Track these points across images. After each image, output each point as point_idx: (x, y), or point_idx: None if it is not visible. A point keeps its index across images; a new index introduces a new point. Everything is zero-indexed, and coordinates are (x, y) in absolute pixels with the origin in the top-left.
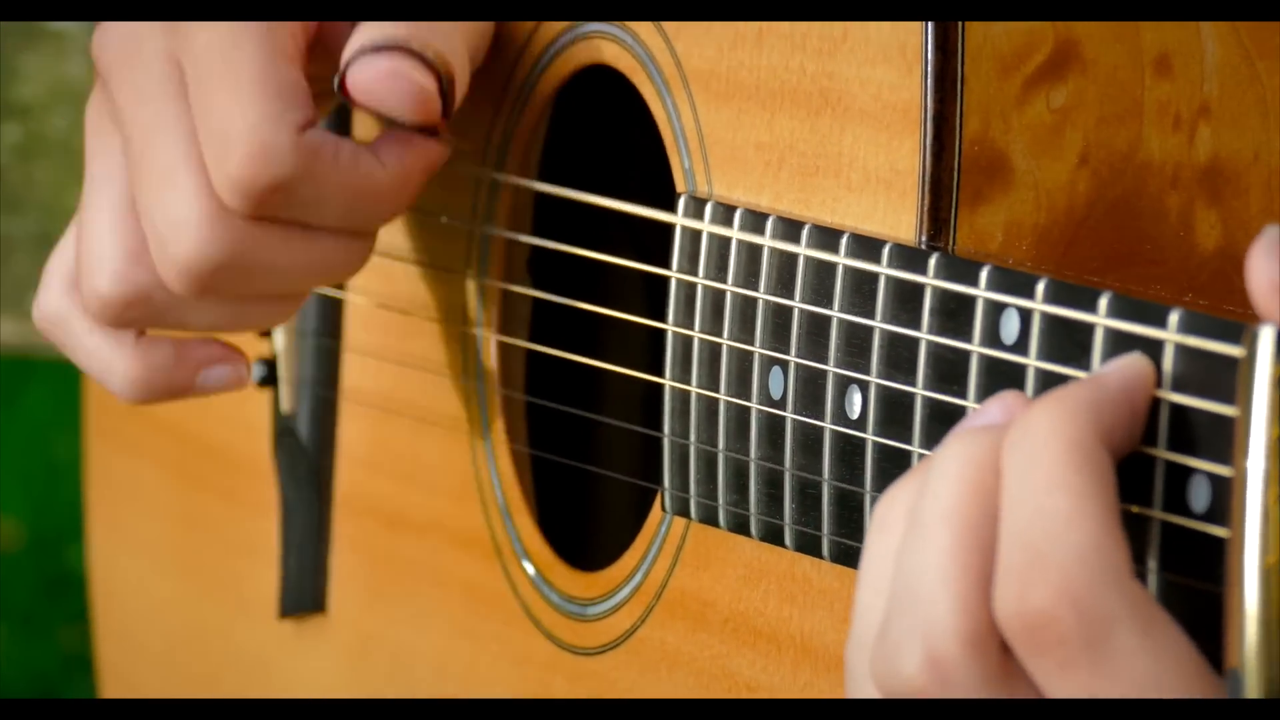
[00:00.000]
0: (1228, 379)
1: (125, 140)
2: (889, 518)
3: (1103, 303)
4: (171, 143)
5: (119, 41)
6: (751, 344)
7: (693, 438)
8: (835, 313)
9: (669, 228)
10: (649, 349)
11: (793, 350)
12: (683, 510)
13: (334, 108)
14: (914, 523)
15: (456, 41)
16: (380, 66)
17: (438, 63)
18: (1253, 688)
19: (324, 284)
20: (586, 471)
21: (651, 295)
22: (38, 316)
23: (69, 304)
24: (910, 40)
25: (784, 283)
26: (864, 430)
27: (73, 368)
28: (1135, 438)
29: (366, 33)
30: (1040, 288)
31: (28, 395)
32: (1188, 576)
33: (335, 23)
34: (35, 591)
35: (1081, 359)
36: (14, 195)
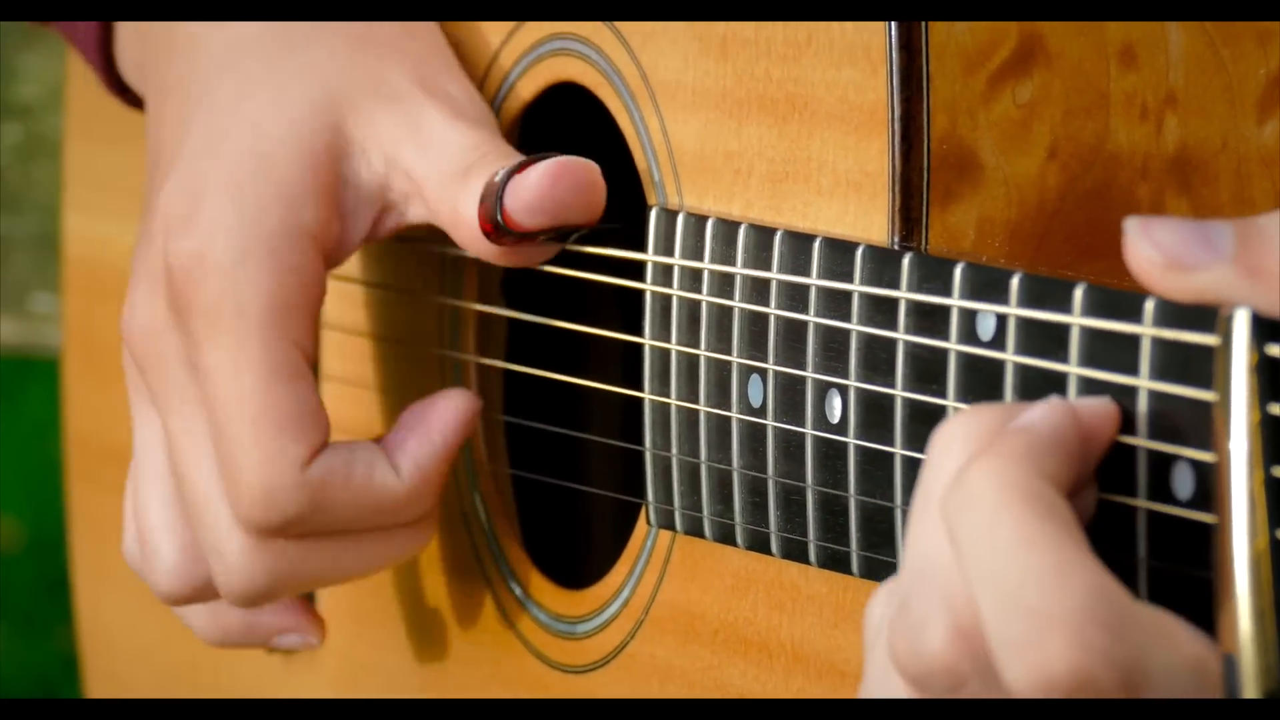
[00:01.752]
0: (1206, 364)
1: (166, 440)
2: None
3: (1078, 296)
4: (203, 465)
5: (144, 338)
6: (729, 353)
7: (674, 450)
8: (811, 318)
9: (642, 243)
10: (628, 364)
11: (771, 358)
12: (667, 523)
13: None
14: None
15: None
16: (540, 172)
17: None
18: (1248, 674)
19: (385, 568)
20: (570, 489)
21: (628, 310)
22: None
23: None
24: (874, 40)
25: (759, 290)
26: (845, 434)
27: None
28: (1077, 476)
29: (476, 175)
30: (1015, 284)
31: (28, 395)
32: (1177, 564)
33: (337, 235)
34: (35, 591)
35: (1059, 352)
36: (14, 195)
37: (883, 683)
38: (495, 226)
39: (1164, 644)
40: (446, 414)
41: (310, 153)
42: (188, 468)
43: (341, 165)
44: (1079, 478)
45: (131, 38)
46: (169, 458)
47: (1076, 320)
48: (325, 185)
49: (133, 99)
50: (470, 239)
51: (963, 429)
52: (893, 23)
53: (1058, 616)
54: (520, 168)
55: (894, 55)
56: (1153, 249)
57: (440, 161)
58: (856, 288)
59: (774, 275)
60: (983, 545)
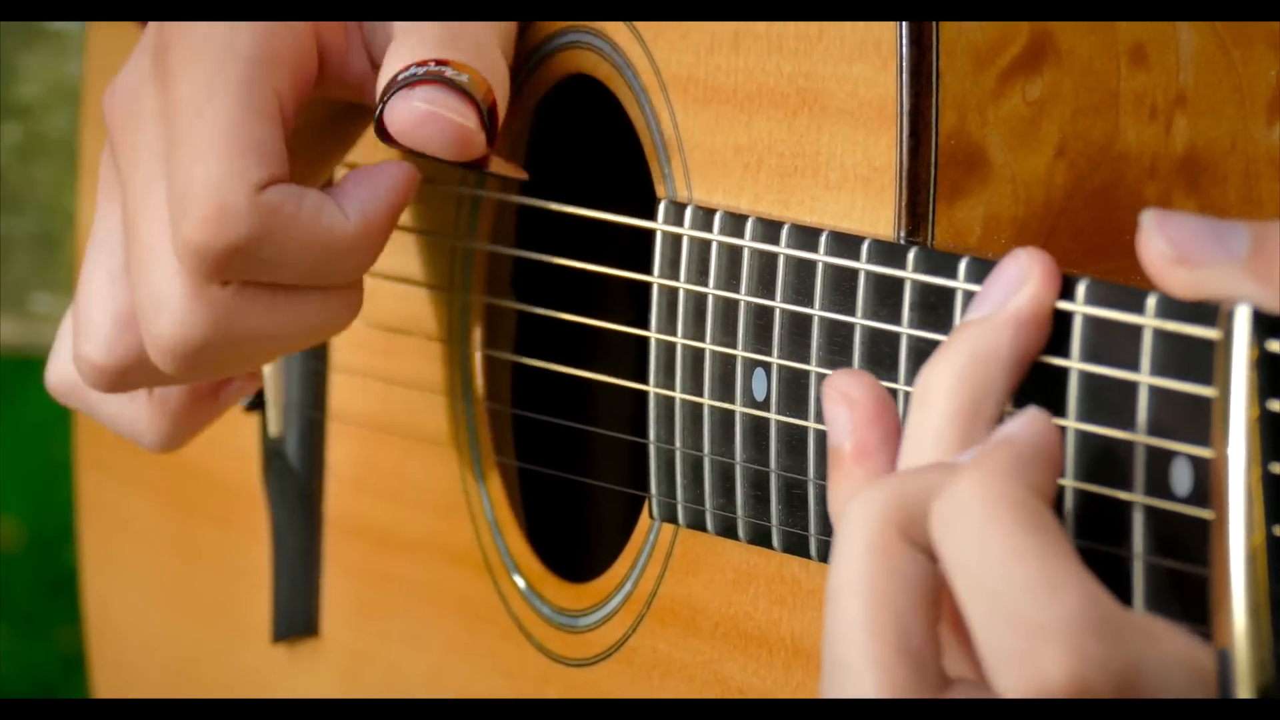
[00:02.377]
0: (1206, 360)
1: (123, 204)
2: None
3: (1080, 290)
4: (157, 216)
5: (123, 99)
6: (734, 347)
7: (678, 443)
8: (816, 311)
9: (651, 235)
10: (636, 357)
11: (775, 351)
12: (670, 516)
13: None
14: (828, 596)
15: (493, 49)
16: (416, 110)
17: (476, 89)
18: (1243, 670)
19: (318, 341)
20: (575, 482)
21: (637, 303)
22: (51, 386)
23: (74, 369)
24: (885, 36)
25: (765, 283)
26: None
27: None
28: (1053, 486)
29: (397, 58)
30: None
31: (28, 395)
32: (1173, 560)
33: (342, 51)
34: (35, 591)
35: (1061, 347)
36: (14, 195)
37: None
38: (377, 122)
39: (1157, 649)
40: (391, 171)
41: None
42: (141, 219)
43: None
44: (1053, 486)
45: None
46: (124, 222)
47: (1079, 309)
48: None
49: None
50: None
51: (859, 513)
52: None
53: (1051, 627)
54: (418, 82)
55: (904, 51)
56: (1165, 243)
57: (401, 25)
58: (863, 265)
59: (781, 252)
60: (972, 559)
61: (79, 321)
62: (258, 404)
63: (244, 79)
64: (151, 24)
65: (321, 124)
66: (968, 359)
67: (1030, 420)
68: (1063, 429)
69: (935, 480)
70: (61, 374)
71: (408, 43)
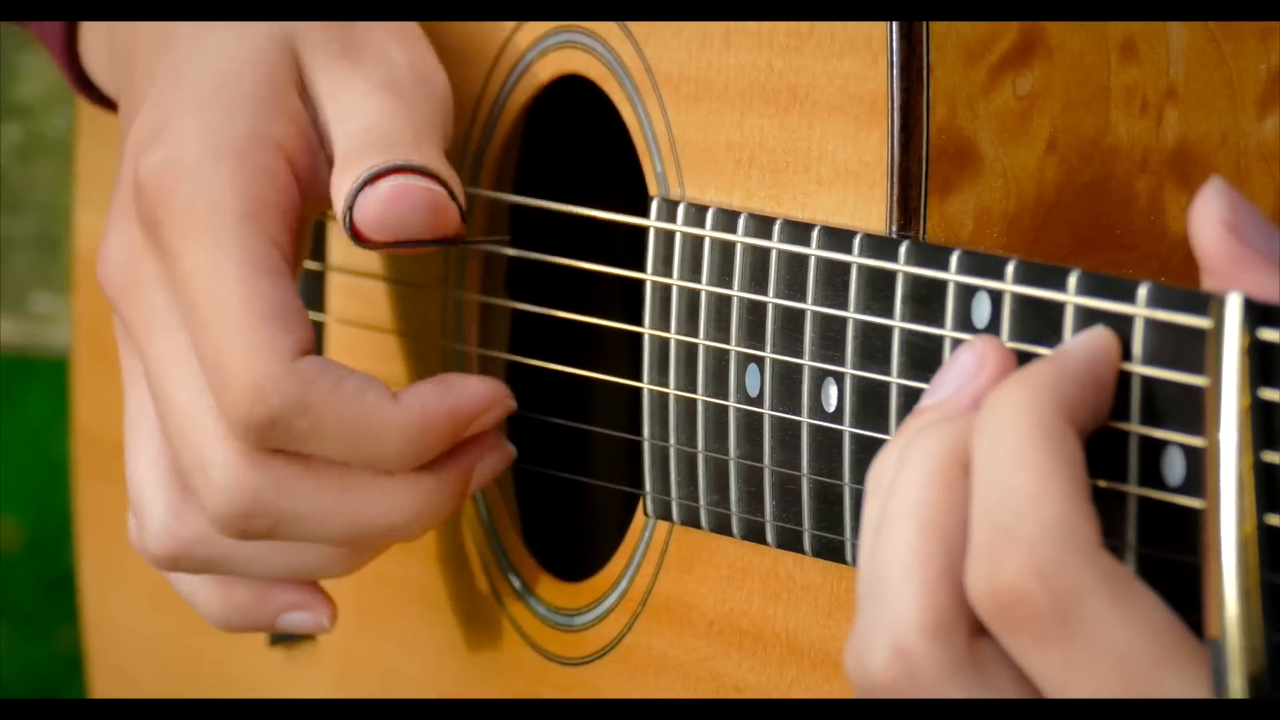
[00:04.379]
0: (1197, 350)
1: (146, 375)
2: (876, 488)
3: (1072, 280)
4: (186, 384)
5: (119, 269)
6: (727, 343)
7: (672, 440)
8: (809, 306)
9: (644, 232)
10: (630, 354)
11: (768, 346)
12: (664, 513)
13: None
14: (882, 519)
15: (434, 141)
16: (381, 191)
17: (435, 169)
18: (1234, 658)
19: (378, 542)
20: (570, 480)
21: (631, 301)
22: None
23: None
24: (875, 31)
25: (757, 279)
26: (840, 422)
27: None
28: (1102, 411)
29: (350, 169)
30: (1010, 270)
31: (28, 395)
32: (1166, 550)
33: (311, 167)
34: (35, 591)
35: (1053, 338)
36: (14, 195)
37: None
38: (350, 232)
39: (1113, 594)
40: (473, 383)
41: (273, 74)
42: (170, 388)
43: (302, 98)
44: (1099, 409)
45: (98, 33)
46: (151, 390)
47: (1070, 299)
48: (292, 106)
49: (97, 96)
50: (342, 229)
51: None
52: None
53: (1017, 534)
54: (374, 178)
55: (894, 46)
56: (1227, 207)
57: (341, 139)
58: (855, 259)
59: (773, 247)
60: (985, 461)
61: (136, 511)
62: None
63: (241, 241)
64: (124, 178)
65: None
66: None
67: (1086, 340)
68: None
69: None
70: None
71: (351, 160)
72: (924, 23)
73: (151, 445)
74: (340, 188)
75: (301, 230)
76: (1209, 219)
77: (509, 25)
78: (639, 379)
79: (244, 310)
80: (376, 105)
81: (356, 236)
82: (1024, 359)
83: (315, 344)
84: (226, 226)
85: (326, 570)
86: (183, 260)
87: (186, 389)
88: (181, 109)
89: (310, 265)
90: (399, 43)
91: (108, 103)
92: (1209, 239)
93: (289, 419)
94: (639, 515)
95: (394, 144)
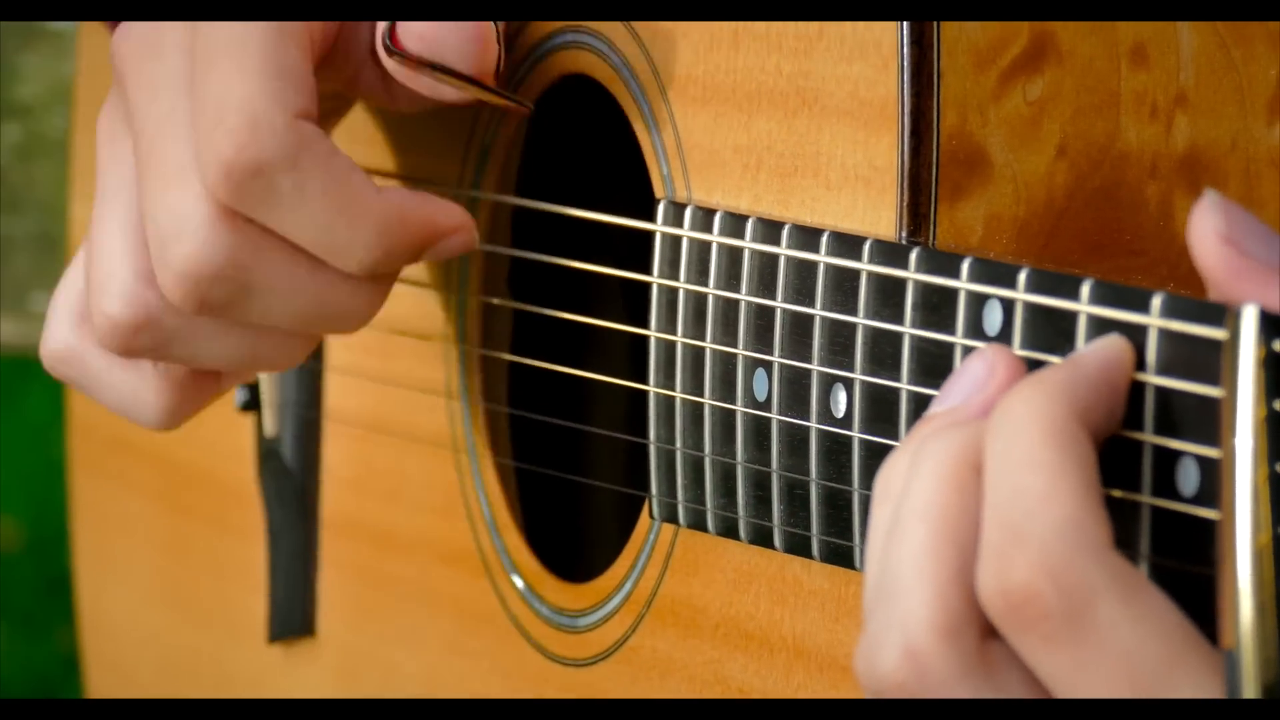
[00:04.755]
0: (1212, 361)
1: (135, 138)
2: (886, 493)
3: (1085, 290)
4: (179, 141)
5: (140, 35)
6: (735, 346)
7: (679, 443)
8: (818, 311)
9: (650, 235)
10: (634, 357)
11: (776, 351)
12: (670, 516)
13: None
14: (895, 521)
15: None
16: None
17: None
18: (1249, 668)
19: (333, 328)
20: (574, 482)
21: (635, 303)
22: (47, 355)
23: (81, 339)
24: (885, 36)
25: (765, 284)
26: (850, 428)
27: None
28: (1116, 416)
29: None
30: (1022, 278)
31: (28, 395)
32: (1180, 560)
33: (348, 39)
34: (35, 591)
35: (1065, 347)
36: (14, 195)
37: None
38: (385, 37)
39: (1123, 595)
40: (449, 205)
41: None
42: (162, 146)
43: None
44: (1113, 414)
45: None
46: (139, 155)
47: (1084, 308)
48: None
49: None
50: (378, 40)
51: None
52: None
53: (1028, 533)
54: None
55: (905, 51)
56: (1223, 220)
57: None
58: (865, 265)
59: (781, 253)
60: (997, 462)
61: (96, 278)
62: (253, 404)
63: (277, 25)
64: None
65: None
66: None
67: (1106, 344)
68: None
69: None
70: (60, 341)
71: None
72: (935, 28)
73: (127, 213)
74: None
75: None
76: (1206, 234)
77: (514, 25)
78: (640, 380)
79: (262, 57)
80: None
81: (391, 41)
82: (1035, 367)
83: None
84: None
85: (270, 361)
86: (213, 28)
87: (179, 147)
88: None
89: None
90: None
91: None
92: (1208, 254)
93: (276, 171)
94: (644, 517)
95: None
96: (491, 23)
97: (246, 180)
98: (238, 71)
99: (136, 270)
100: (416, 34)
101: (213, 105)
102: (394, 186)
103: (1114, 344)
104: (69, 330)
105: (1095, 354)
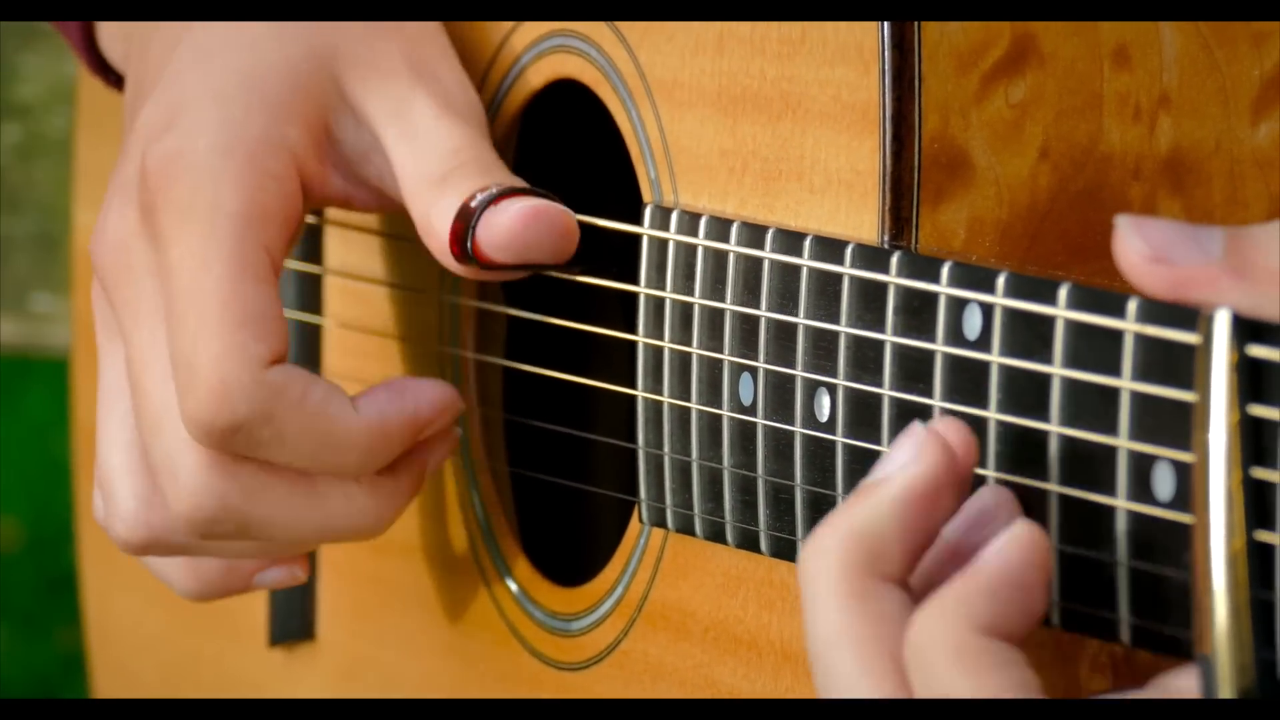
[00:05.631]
0: (1187, 365)
1: (127, 361)
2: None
3: (1062, 294)
4: (164, 379)
5: (114, 250)
6: (721, 351)
7: (666, 448)
8: (801, 319)
9: (637, 238)
10: (627, 360)
11: (761, 356)
12: (659, 521)
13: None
14: (816, 650)
15: (495, 154)
16: (514, 211)
17: (552, 196)
18: (1224, 673)
19: (347, 539)
20: (567, 486)
21: (626, 307)
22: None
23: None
24: (867, 40)
25: (750, 289)
26: (833, 432)
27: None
28: (1034, 609)
29: (450, 189)
30: (1000, 282)
31: (28, 395)
32: (1155, 564)
33: (322, 176)
34: (35, 591)
35: (1043, 352)
36: (14, 195)
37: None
38: (463, 250)
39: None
40: (426, 388)
41: (303, 84)
42: (148, 382)
43: (330, 115)
44: (1029, 609)
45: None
46: (130, 378)
47: (1060, 313)
48: (313, 118)
49: (115, 79)
50: (438, 250)
51: (822, 571)
52: (885, 22)
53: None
54: (499, 198)
55: (886, 54)
56: (1141, 242)
57: (421, 160)
58: (847, 270)
59: (765, 257)
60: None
61: (106, 496)
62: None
63: (236, 241)
64: (130, 158)
65: None
66: (848, 533)
67: (1002, 548)
68: (1045, 433)
69: (878, 507)
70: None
71: (446, 181)
72: (916, 32)
73: (125, 432)
74: (438, 210)
75: (296, 237)
76: (1133, 261)
77: (504, 30)
78: (634, 385)
79: (223, 311)
80: (451, 128)
81: (476, 256)
82: (1016, 373)
83: (309, 350)
84: (223, 224)
85: (292, 553)
86: (173, 250)
87: (163, 385)
88: (199, 99)
89: (308, 268)
90: (445, 61)
91: (122, 84)
92: (1142, 278)
93: (253, 427)
94: (634, 522)
95: (488, 168)
96: (569, 211)
97: (227, 438)
98: (203, 328)
99: (139, 495)
100: (504, 244)
101: (184, 367)
102: (374, 394)
103: (1009, 546)
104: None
105: (992, 561)
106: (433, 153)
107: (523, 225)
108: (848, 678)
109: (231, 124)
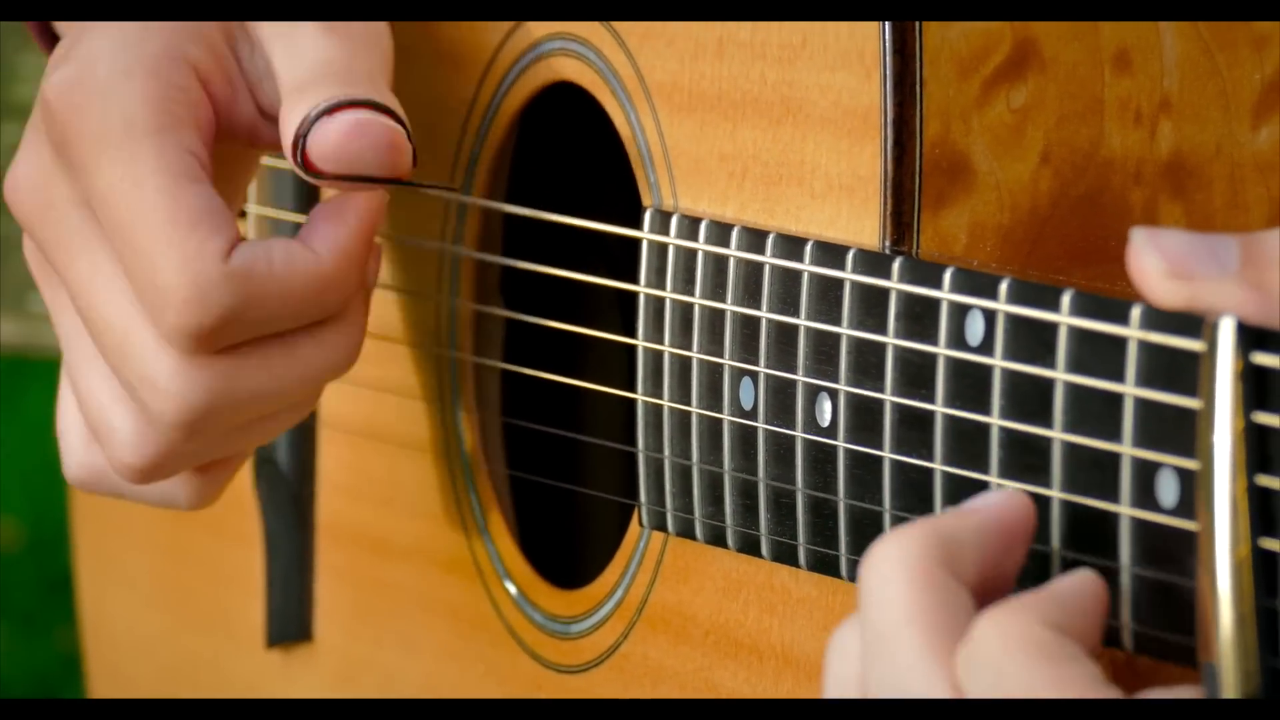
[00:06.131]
0: (1191, 372)
1: (72, 298)
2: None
3: (1066, 300)
4: (115, 300)
5: (31, 193)
6: (721, 356)
7: (667, 452)
8: (802, 321)
9: (637, 241)
10: (626, 363)
11: (762, 360)
12: (660, 524)
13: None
14: (877, 634)
15: (387, 83)
16: (340, 123)
17: (393, 108)
18: (1228, 681)
19: (324, 382)
20: (566, 490)
21: (626, 311)
22: (72, 479)
23: (96, 458)
24: (868, 45)
25: (750, 293)
26: (835, 437)
27: None
28: (1093, 638)
29: (303, 99)
30: (1004, 288)
31: (28, 395)
32: (1160, 572)
33: (230, 100)
34: (35, 591)
35: (1046, 358)
36: None
37: None
38: (299, 161)
39: None
40: (355, 200)
41: (197, 25)
42: (102, 307)
43: (230, 39)
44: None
45: None
46: (80, 313)
47: (1064, 319)
48: (213, 39)
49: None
50: (290, 158)
51: (897, 555)
52: (887, 26)
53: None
54: (335, 109)
55: (888, 59)
56: (1158, 257)
57: (294, 69)
58: (848, 275)
59: (766, 261)
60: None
61: (100, 431)
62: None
63: (158, 153)
64: (39, 106)
65: (219, 173)
66: (931, 531)
67: (1073, 576)
68: (1048, 440)
69: (964, 519)
70: (80, 465)
71: (306, 90)
72: (918, 37)
73: (98, 365)
74: (291, 117)
75: (228, 161)
76: (1150, 276)
77: (502, 30)
78: (633, 388)
79: (171, 221)
80: (328, 42)
81: (307, 166)
82: (1019, 378)
83: None
84: (141, 140)
85: (290, 425)
86: (99, 178)
87: (116, 305)
88: (94, 32)
89: None
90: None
91: None
92: (1159, 294)
93: (240, 316)
94: (634, 525)
95: (351, 78)
96: (398, 124)
97: (218, 335)
98: (156, 243)
99: (134, 415)
100: (330, 156)
101: (149, 287)
102: (319, 228)
103: (1089, 575)
104: (83, 451)
105: (1069, 580)
106: (304, 62)
107: (347, 137)
108: (908, 658)
109: (129, 46)
